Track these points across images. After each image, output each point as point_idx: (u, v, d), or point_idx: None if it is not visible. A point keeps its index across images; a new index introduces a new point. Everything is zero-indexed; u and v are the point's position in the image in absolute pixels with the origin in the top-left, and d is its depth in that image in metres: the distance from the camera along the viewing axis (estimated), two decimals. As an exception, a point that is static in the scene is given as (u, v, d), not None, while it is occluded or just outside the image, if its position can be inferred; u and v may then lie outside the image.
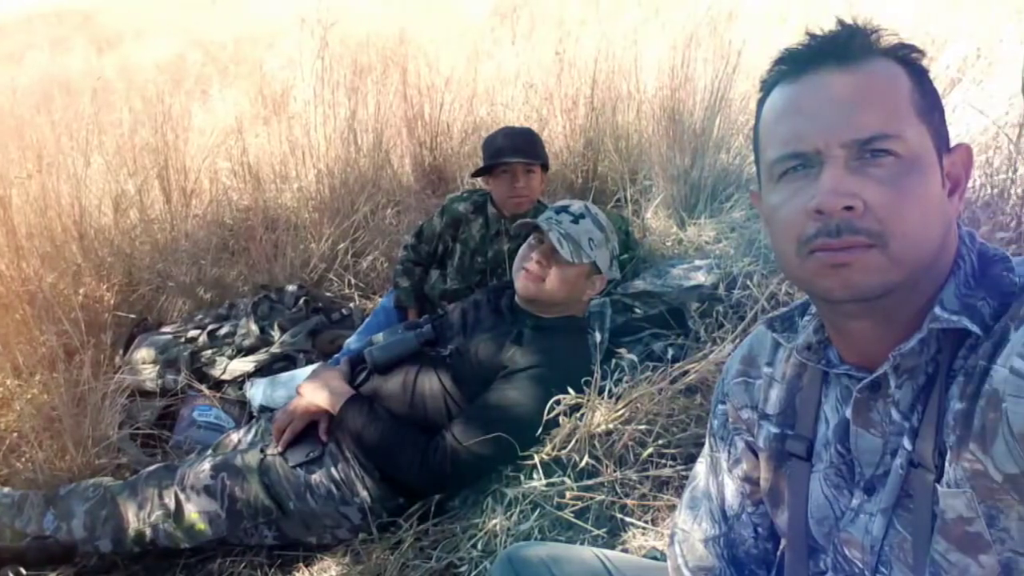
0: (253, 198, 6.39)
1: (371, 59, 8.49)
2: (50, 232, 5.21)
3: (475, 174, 4.44)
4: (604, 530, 2.62)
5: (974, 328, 1.11)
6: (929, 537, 1.17)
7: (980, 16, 5.79)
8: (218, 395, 4.16)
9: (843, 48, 1.17)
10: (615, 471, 2.74)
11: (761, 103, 1.30)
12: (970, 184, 1.25)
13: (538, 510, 2.71)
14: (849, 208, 1.10)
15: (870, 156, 1.12)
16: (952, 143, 1.24)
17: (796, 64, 1.22)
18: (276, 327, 4.61)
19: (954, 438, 1.13)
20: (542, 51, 7.96)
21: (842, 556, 1.34)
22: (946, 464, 1.15)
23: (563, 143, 6.53)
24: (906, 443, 1.21)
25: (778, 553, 1.63)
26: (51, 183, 5.50)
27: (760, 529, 1.62)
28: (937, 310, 1.14)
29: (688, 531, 1.69)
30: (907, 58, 1.20)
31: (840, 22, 1.20)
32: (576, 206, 3.13)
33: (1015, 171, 3.55)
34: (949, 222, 1.19)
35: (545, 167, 4.29)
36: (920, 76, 1.20)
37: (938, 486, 1.15)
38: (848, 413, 1.30)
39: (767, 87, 1.28)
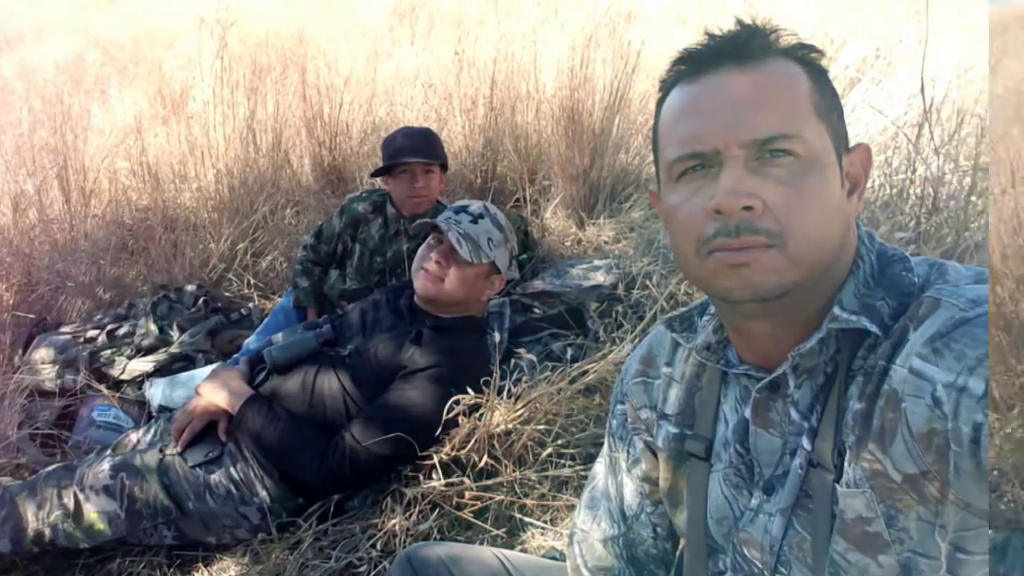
0: (152, 198, 6.31)
1: (270, 59, 8.42)
2: (-54, 232, 5.07)
3: (374, 174, 4.43)
4: (503, 530, 2.64)
5: (873, 328, 1.12)
6: (828, 537, 1.18)
7: (878, 16, 5.90)
8: (117, 395, 4.10)
9: (742, 48, 1.17)
10: (514, 471, 2.77)
11: (660, 103, 1.29)
12: (869, 184, 1.26)
13: (437, 510, 2.72)
14: (748, 208, 1.10)
15: (769, 156, 1.12)
16: (851, 143, 1.25)
17: (695, 64, 1.21)
18: (175, 327, 4.58)
19: (853, 438, 1.14)
20: (441, 51, 7.95)
21: (741, 556, 1.35)
22: (845, 464, 1.15)
23: (462, 143, 6.53)
24: (805, 443, 1.21)
25: (677, 553, 1.63)
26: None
27: (659, 529, 1.62)
28: (836, 310, 1.15)
29: (587, 531, 1.69)
30: (806, 58, 1.20)
31: (739, 22, 1.19)
32: (475, 206, 3.13)
33: (914, 171, 3.62)
34: (848, 222, 1.19)
35: (444, 167, 4.29)
36: (819, 76, 1.20)
37: (837, 486, 1.16)
38: (747, 413, 1.30)
39: (666, 87, 1.27)
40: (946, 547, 1.07)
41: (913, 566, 1.11)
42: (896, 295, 1.16)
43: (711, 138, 1.15)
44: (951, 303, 1.07)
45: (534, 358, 3.18)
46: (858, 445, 1.13)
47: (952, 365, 1.00)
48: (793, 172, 1.11)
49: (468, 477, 2.76)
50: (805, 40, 1.21)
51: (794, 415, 1.23)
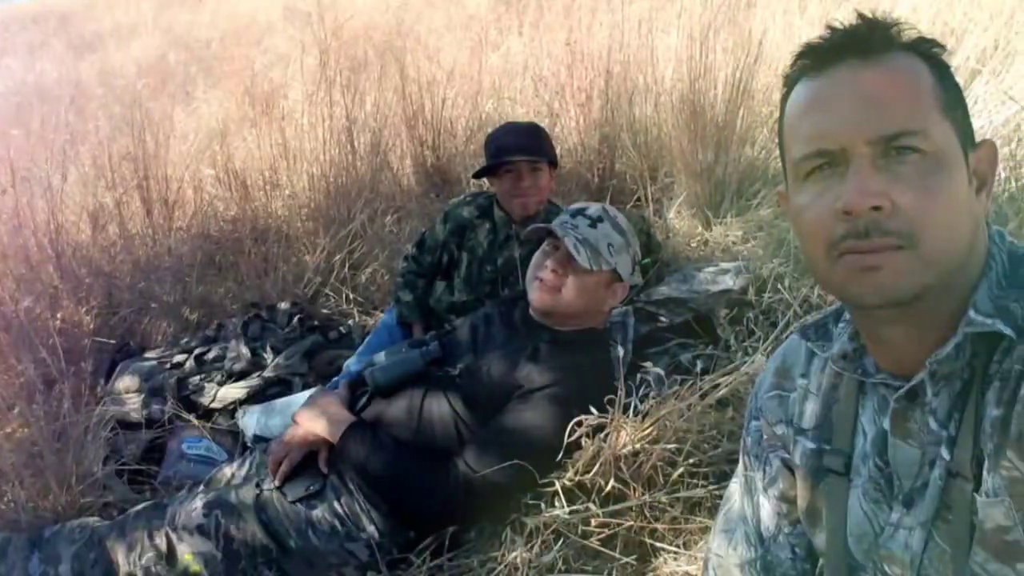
0: (241, 208, 6.40)
1: (367, 53, 8.47)
2: (25, 252, 5.21)
3: (477, 175, 4.41)
4: (633, 557, 2.63)
5: (1008, 331, 1.16)
6: (968, 549, 1.22)
7: (993, 6, 5.80)
8: (208, 425, 4.10)
9: (864, 42, 1.22)
10: (643, 494, 2.74)
11: (784, 99, 1.34)
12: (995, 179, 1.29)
13: (561, 540, 2.69)
14: (877, 208, 1.14)
15: (896, 154, 1.16)
16: (976, 137, 1.28)
17: (817, 59, 1.26)
18: (269, 349, 4.57)
19: (991, 445, 1.17)
20: (552, 41, 7.94)
21: (882, 573, 1.38)
22: (984, 473, 1.19)
23: (577, 139, 6.52)
24: (944, 453, 1.25)
25: (816, 573, 1.66)
26: (25, 198, 5.48)
27: (798, 550, 1.65)
28: (971, 313, 1.18)
29: (723, 556, 1.72)
30: (928, 52, 1.24)
31: (860, 15, 1.24)
32: (593, 208, 3.10)
33: (1038, 164, 3.60)
34: (978, 220, 1.23)
35: (553, 164, 4.24)
36: (942, 71, 1.24)
37: (976, 496, 1.19)
38: (886, 424, 1.34)
39: (790, 82, 1.33)
40: None
41: None
42: None
43: (837, 135, 1.20)
44: None
45: (661, 372, 3.16)
46: (997, 453, 1.16)
47: None
48: (921, 170, 1.15)
49: (594, 503, 2.73)
50: (926, 34, 1.25)
51: (932, 424, 1.27)
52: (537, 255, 3.13)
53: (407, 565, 2.86)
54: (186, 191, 6.58)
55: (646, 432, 2.83)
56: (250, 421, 4.01)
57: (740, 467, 1.76)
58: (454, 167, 7.06)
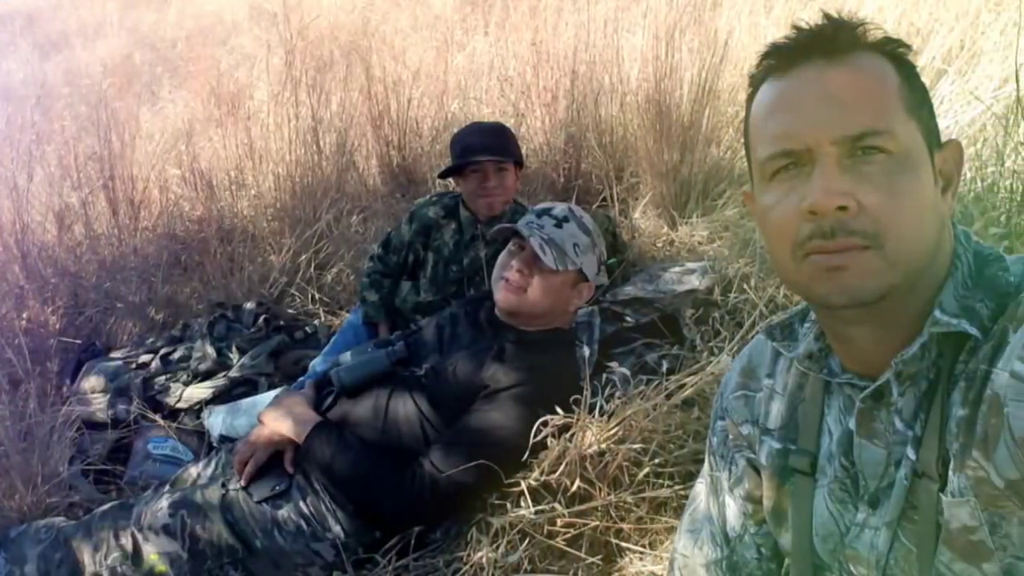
0: (206, 208, 6.40)
1: (333, 53, 8.47)
2: (-10, 252, 5.16)
3: (443, 174, 4.46)
4: (599, 557, 2.64)
5: (973, 331, 1.16)
6: (934, 549, 1.23)
7: (959, 6, 5.84)
8: (174, 425, 4.09)
9: (829, 42, 1.22)
10: (609, 494, 2.74)
11: (750, 99, 1.34)
12: (960, 178, 1.30)
13: (527, 540, 2.70)
14: (843, 208, 1.15)
15: (862, 154, 1.17)
16: (942, 137, 1.29)
17: (783, 59, 1.26)
18: (234, 349, 4.57)
19: (957, 445, 1.18)
20: (517, 41, 7.95)
21: (848, 573, 1.39)
22: (950, 473, 1.20)
23: (542, 139, 6.52)
24: (910, 453, 1.26)
25: (782, 574, 1.67)
26: (-9, 199, 5.44)
27: (764, 550, 1.66)
28: (937, 313, 1.19)
29: (689, 556, 1.73)
30: (894, 53, 1.25)
31: (825, 15, 1.24)
32: (559, 208, 3.12)
33: (1003, 164, 3.61)
34: (943, 221, 1.24)
35: (519, 164, 4.26)
36: (908, 71, 1.25)
37: (942, 496, 1.20)
38: (851, 424, 1.34)
39: (755, 82, 1.33)
40: None
41: (1016, 572, 1.15)
42: (994, 296, 1.20)
43: (802, 135, 1.20)
44: None
45: (627, 372, 3.14)
46: (962, 453, 1.17)
47: None
48: (887, 170, 1.16)
49: (559, 503, 2.73)
50: (892, 34, 1.25)
51: (898, 424, 1.27)
52: (503, 255, 3.14)
53: (373, 565, 2.85)
54: (152, 191, 6.56)
55: (612, 432, 2.83)
56: (216, 421, 4.00)
57: (706, 467, 1.77)
58: (420, 167, 7.05)
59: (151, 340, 4.84)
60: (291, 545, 2.85)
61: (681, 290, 3.93)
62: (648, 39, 5.89)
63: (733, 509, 1.68)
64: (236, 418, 3.96)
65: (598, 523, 2.71)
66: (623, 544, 2.69)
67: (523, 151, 4.59)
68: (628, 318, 3.89)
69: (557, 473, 2.77)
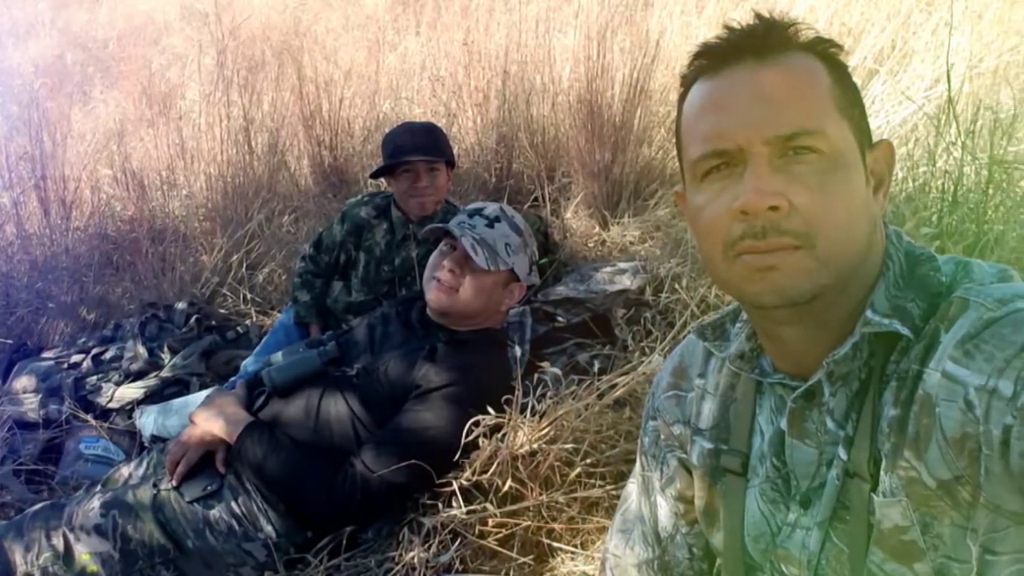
0: (138, 208, 6.35)
1: (265, 53, 8.43)
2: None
3: (374, 175, 4.43)
4: (531, 557, 2.64)
5: (905, 331, 1.17)
6: (865, 549, 1.23)
7: (890, 7, 5.92)
8: (105, 425, 4.06)
9: (761, 42, 1.22)
10: (541, 494, 2.74)
11: (681, 99, 1.34)
12: (892, 178, 1.30)
13: (459, 540, 2.69)
14: (774, 208, 1.14)
15: (793, 154, 1.16)
16: (873, 137, 1.29)
17: (715, 59, 1.26)
18: (166, 349, 4.54)
19: (889, 445, 1.18)
20: (449, 41, 7.94)
21: (780, 573, 1.39)
22: (881, 473, 1.20)
23: (474, 139, 6.52)
24: (841, 453, 1.26)
25: (714, 573, 1.67)
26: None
27: (695, 550, 1.66)
28: (869, 313, 1.19)
29: (620, 556, 1.72)
30: (825, 53, 1.25)
31: (757, 15, 1.24)
32: (491, 208, 3.11)
33: (934, 164, 3.66)
34: (875, 220, 1.24)
35: (451, 164, 4.27)
36: (839, 71, 1.25)
37: (874, 496, 1.20)
38: (783, 424, 1.34)
39: (687, 82, 1.32)
40: (977, 550, 1.12)
41: (947, 572, 1.15)
42: (926, 296, 1.21)
43: (734, 135, 1.19)
44: (979, 303, 1.12)
45: (559, 372, 3.15)
46: (894, 453, 1.17)
47: (983, 367, 1.05)
48: (818, 170, 1.16)
49: (491, 503, 2.73)
50: (824, 34, 1.26)
51: (830, 424, 1.27)
52: (434, 255, 3.13)
53: (304, 565, 2.84)
54: (84, 191, 6.52)
55: (543, 432, 2.82)
56: (147, 421, 3.97)
57: (637, 467, 1.76)
58: (351, 167, 7.03)
59: (83, 340, 4.81)
60: (223, 545, 2.84)
61: (613, 290, 3.94)
62: (580, 39, 5.90)
63: (665, 509, 1.68)
64: (168, 418, 3.93)
65: (530, 523, 2.71)
66: (555, 544, 2.70)
67: (455, 151, 4.58)
68: (560, 318, 3.90)
69: (489, 473, 2.75)
